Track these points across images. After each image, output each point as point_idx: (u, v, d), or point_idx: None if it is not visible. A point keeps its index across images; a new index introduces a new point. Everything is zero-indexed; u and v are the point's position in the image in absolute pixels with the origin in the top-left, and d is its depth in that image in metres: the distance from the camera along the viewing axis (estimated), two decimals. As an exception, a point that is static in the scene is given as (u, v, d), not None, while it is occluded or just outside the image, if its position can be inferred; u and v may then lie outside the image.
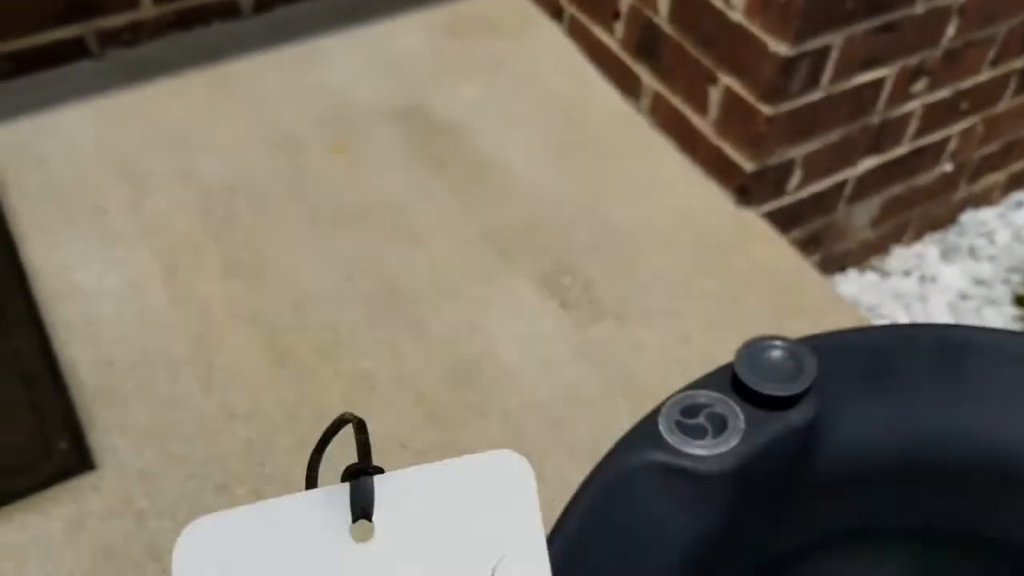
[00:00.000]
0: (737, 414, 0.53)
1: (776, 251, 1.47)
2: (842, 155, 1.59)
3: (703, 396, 0.54)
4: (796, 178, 1.55)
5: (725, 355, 1.45)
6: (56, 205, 1.45)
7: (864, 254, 1.90)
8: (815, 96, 1.44)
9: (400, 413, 1.23)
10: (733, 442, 0.51)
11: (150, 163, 1.52)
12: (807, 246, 1.73)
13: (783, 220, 1.59)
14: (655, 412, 0.54)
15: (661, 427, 0.53)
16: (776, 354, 0.55)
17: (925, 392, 0.55)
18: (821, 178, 1.60)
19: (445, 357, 1.29)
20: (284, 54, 1.73)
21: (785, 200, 1.58)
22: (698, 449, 0.51)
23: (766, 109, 1.40)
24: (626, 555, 0.49)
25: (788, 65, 1.36)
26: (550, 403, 1.25)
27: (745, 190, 1.50)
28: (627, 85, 1.68)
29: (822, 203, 1.66)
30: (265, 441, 1.19)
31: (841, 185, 1.66)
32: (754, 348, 0.56)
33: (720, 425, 0.52)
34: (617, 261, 1.43)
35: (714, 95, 1.49)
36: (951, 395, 0.55)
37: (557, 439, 1.21)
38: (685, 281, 1.41)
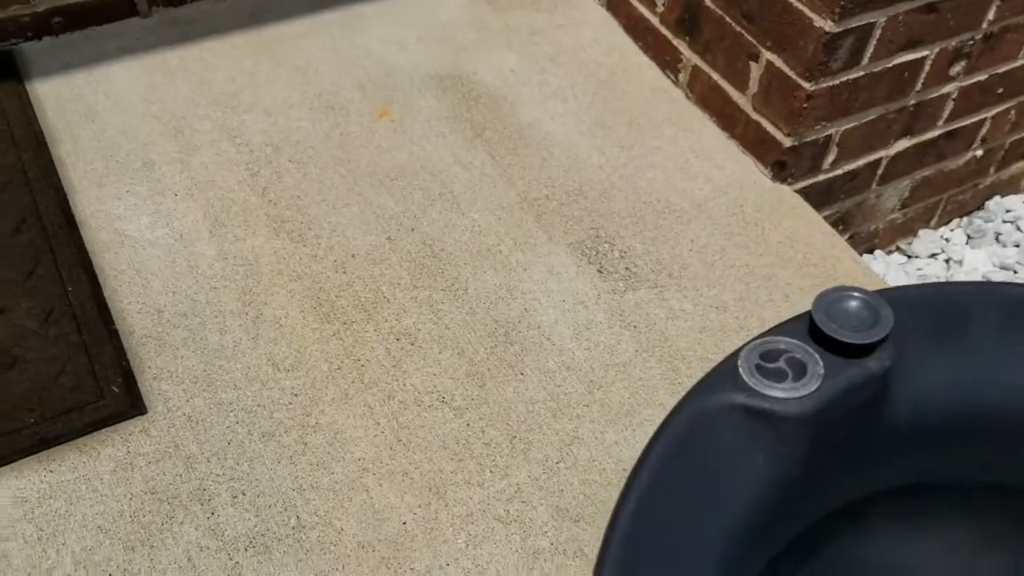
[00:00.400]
0: (816, 360, 0.55)
1: (811, 226, 1.49)
2: (877, 134, 1.60)
3: (782, 342, 0.56)
4: (832, 155, 1.57)
5: (759, 325, 1.47)
6: (106, 158, 1.47)
7: (892, 236, 1.92)
8: (856, 74, 1.45)
9: (441, 370, 1.26)
10: (813, 386, 0.53)
11: (197, 120, 1.55)
12: (836, 225, 1.74)
13: (816, 198, 1.61)
14: (734, 355, 0.56)
15: (741, 370, 0.55)
16: (853, 304, 0.57)
17: (995, 349, 0.57)
18: (856, 157, 1.62)
19: (484, 318, 1.32)
20: (327, 19, 1.75)
21: (820, 177, 1.59)
22: (778, 392, 0.53)
23: (807, 85, 1.42)
24: (703, 492, 0.51)
25: (832, 42, 1.37)
26: (587, 365, 1.28)
27: (782, 165, 1.52)
28: (666, 59, 1.70)
29: (855, 182, 1.67)
30: (310, 393, 1.22)
31: (874, 165, 1.67)
32: (831, 297, 0.58)
33: (800, 370, 0.55)
34: (654, 230, 1.45)
35: (755, 70, 1.51)
36: (1020, 353, 0.57)
37: (594, 400, 1.24)
38: (721, 252, 1.43)
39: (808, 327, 0.57)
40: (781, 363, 0.55)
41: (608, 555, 0.46)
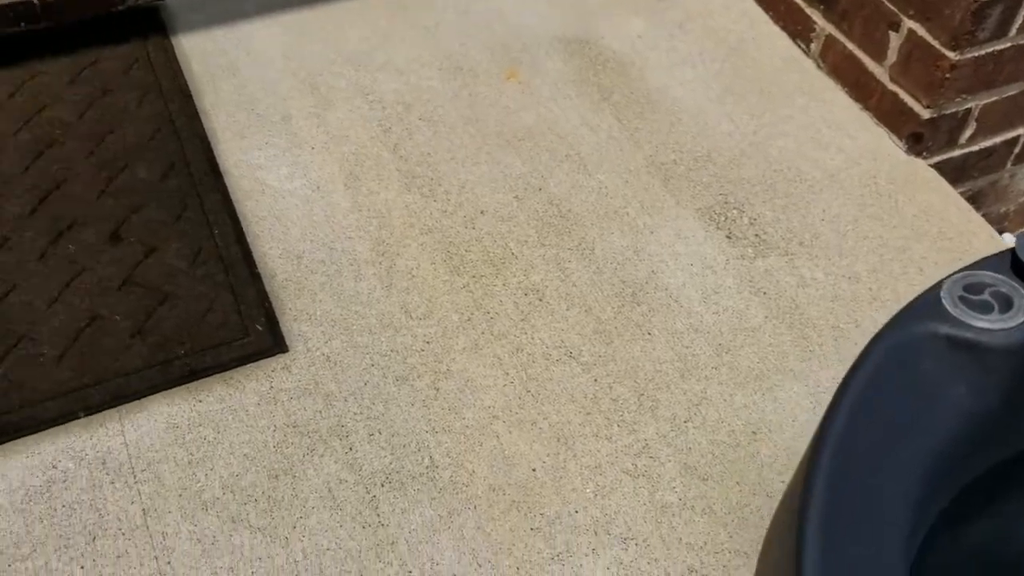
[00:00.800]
0: (1023, 294, 0.54)
1: (946, 200, 1.45)
2: (1018, 111, 1.55)
3: (986, 276, 0.56)
4: (969, 130, 1.52)
5: (893, 297, 1.45)
6: (246, 110, 1.53)
7: (1022, 219, 1.85)
8: (1002, 45, 1.41)
9: (568, 326, 1.27)
10: (1021, 318, 0.53)
11: (332, 78, 1.59)
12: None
13: (949, 174, 1.56)
14: (935, 287, 0.56)
15: (944, 301, 0.55)
16: (1058, 242, 0.56)
17: None
18: (993, 133, 1.57)
19: (611, 278, 1.33)
20: (458, -19, 1.77)
21: (955, 152, 1.55)
22: (984, 323, 0.53)
23: (952, 55, 1.38)
24: (903, 419, 0.51)
25: (981, 10, 1.33)
26: (715, 329, 1.27)
27: (918, 138, 1.48)
28: (797, 29, 1.67)
29: (990, 160, 1.62)
30: (442, 341, 1.25)
31: (1011, 143, 1.62)
32: (1036, 234, 0.57)
33: (1005, 303, 0.54)
34: (785, 199, 1.43)
35: (894, 39, 1.47)
36: None
37: (722, 363, 1.24)
38: (853, 223, 1.40)
39: (1011, 263, 0.56)
40: (986, 295, 0.54)
41: (816, 470, 0.47)
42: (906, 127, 1.50)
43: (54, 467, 1.10)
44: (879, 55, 1.51)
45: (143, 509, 1.07)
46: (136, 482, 1.09)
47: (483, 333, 1.26)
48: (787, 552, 0.47)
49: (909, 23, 1.44)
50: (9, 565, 1.02)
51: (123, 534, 1.05)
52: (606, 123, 1.54)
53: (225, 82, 1.57)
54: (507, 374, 1.22)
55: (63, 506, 1.07)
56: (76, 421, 1.14)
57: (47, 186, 1.38)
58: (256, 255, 1.33)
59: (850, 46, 1.56)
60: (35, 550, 1.03)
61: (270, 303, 1.27)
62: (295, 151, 1.48)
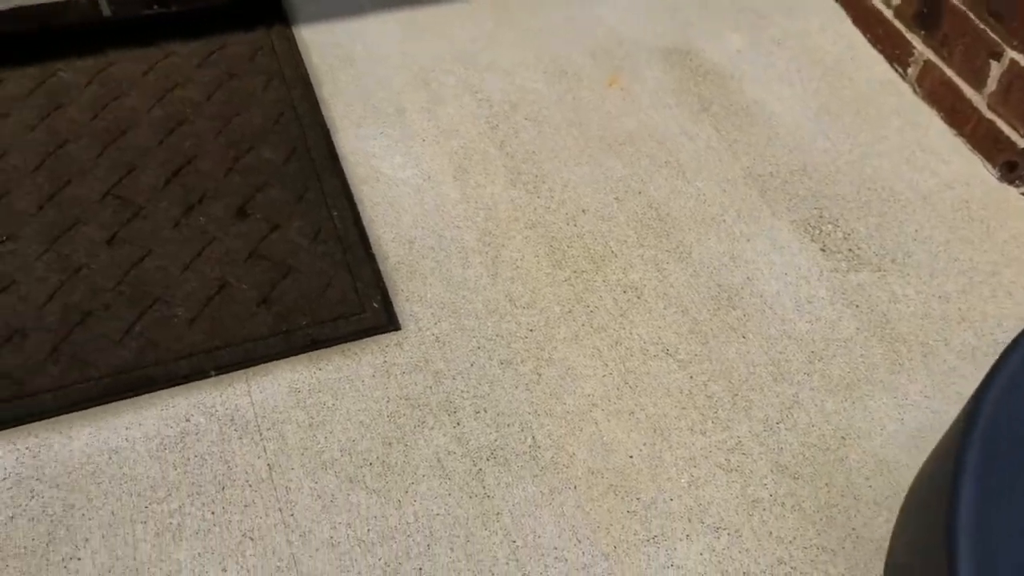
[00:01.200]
0: None
1: (1037, 229, 1.48)
2: (1113, 146, 1.57)
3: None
4: (1063, 162, 1.55)
5: (982, 318, 1.48)
6: (363, 101, 1.61)
7: (1105, 253, 1.87)
8: (1104, 80, 1.44)
9: (665, 324, 1.33)
10: None
11: (442, 75, 1.67)
12: (1052, 235, 1.72)
13: (1039, 203, 1.59)
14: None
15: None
16: None
17: None
18: (1086, 166, 1.59)
19: (708, 281, 1.39)
20: (565, -11, 1.84)
21: (1047, 183, 1.58)
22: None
23: (1054, 87, 1.41)
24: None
25: (1088, 44, 1.36)
26: (808, 337, 1.32)
27: (1012, 167, 1.52)
28: (895, 53, 1.71)
29: (1080, 192, 1.65)
30: (544, 330, 1.31)
31: (1103, 177, 1.64)
32: None
33: None
34: (878, 217, 1.48)
35: (995, 69, 1.51)
36: None
37: (814, 370, 1.29)
38: (945, 245, 1.44)
39: None
40: None
41: (964, 461, 0.52)
42: (1001, 155, 1.53)
43: (187, 420, 1.18)
44: (978, 83, 1.55)
45: (268, 464, 1.15)
46: (262, 439, 1.17)
47: (583, 325, 1.33)
48: (937, 524, 0.52)
49: (1012, 53, 1.47)
50: (146, 507, 1.10)
51: (250, 486, 1.13)
52: (705, 133, 1.60)
53: (343, 73, 1.66)
54: (606, 365, 1.28)
55: (195, 456, 1.15)
56: (207, 380, 1.22)
57: (179, 161, 1.48)
58: (371, 238, 1.41)
59: (948, 72, 1.60)
60: (170, 494, 1.12)
61: (384, 283, 1.34)
62: (408, 142, 1.55)
